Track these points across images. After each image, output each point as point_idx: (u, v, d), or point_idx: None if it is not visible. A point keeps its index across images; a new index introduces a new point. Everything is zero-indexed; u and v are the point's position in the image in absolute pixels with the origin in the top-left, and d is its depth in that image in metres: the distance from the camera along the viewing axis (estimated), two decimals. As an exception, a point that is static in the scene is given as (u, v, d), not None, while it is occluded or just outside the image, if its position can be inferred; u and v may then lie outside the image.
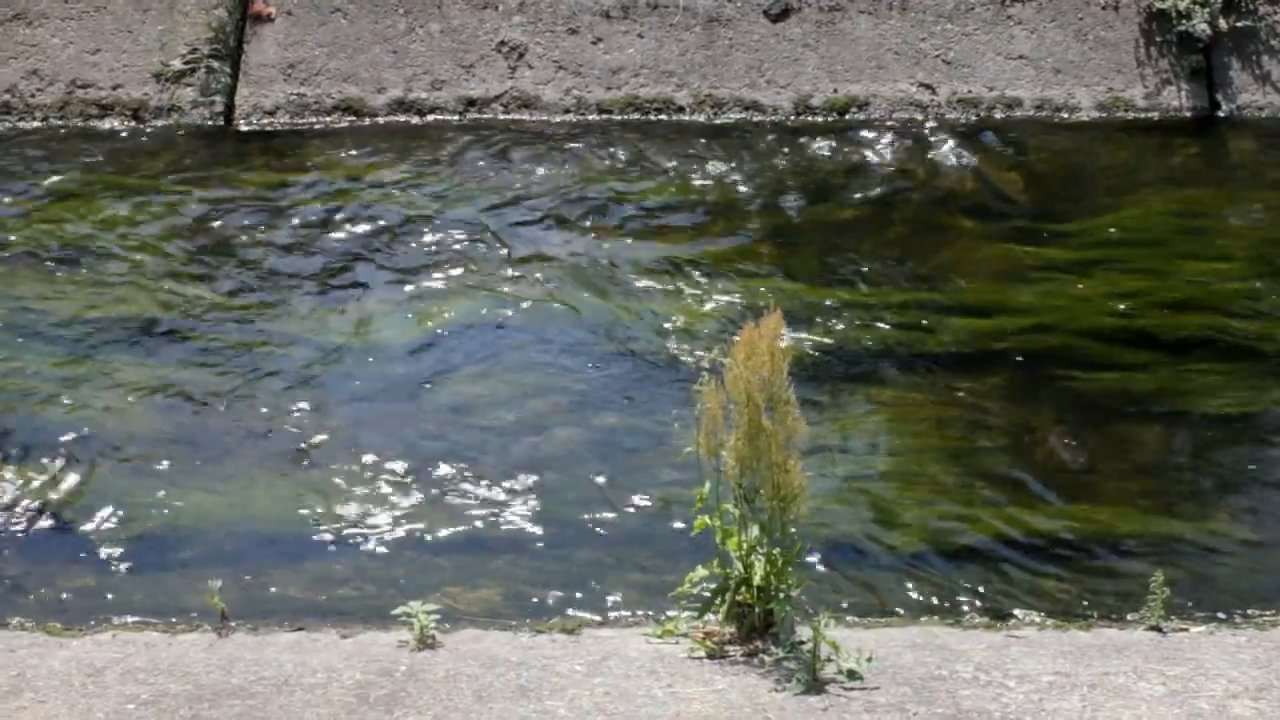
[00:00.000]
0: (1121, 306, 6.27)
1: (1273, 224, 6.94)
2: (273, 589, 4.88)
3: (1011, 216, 6.93)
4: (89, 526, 5.16)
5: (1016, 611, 4.75)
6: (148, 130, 7.56)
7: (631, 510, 5.21)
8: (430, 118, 7.64)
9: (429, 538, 5.10)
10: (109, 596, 4.86)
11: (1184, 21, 7.78)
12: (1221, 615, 4.69)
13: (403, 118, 7.64)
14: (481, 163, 7.26)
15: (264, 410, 5.70)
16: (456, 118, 7.63)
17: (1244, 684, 4.17)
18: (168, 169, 7.24)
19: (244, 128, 7.62)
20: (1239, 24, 7.81)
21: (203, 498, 5.27)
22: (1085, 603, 4.81)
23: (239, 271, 6.53)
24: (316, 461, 5.44)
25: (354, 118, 7.64)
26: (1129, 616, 4.64)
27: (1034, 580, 4.91)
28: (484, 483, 5.34)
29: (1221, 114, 7.73)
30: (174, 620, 4.67)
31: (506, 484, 5.32)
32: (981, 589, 4.87)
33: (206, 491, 5.30)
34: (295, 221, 6.86)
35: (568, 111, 7.64)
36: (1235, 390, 5.81)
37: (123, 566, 5.00)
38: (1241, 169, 7.39)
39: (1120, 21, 7.88)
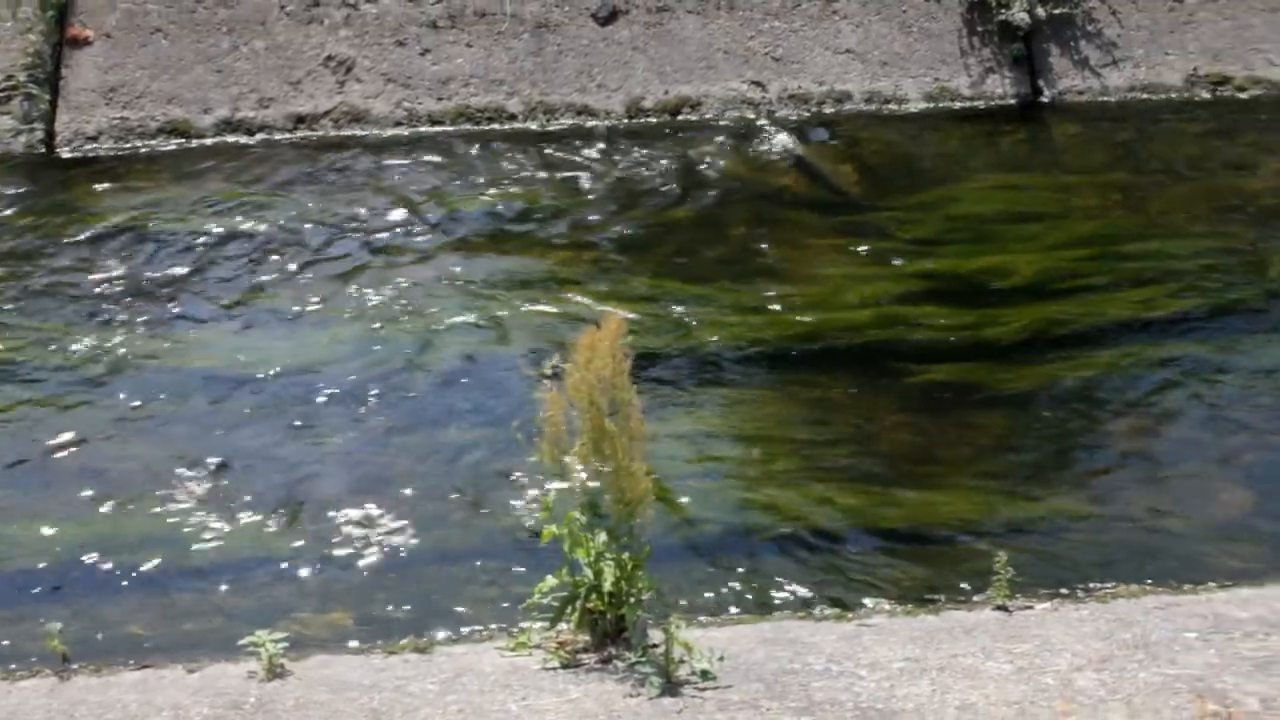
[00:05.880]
0: (956, 295, 6.37)
1: (1099, 207, 7.10)
2: (115, 627, 4.75)
3: (845, 209, 7.01)
4: (-83, 574, 4.99)
5: (867, 600, 4.79)
6: (-35, 161, 7.35)
7: (480, 524, 5.16)
8: (259, 136, 7.51)
9: (275, 564, 5.01)
10: (-59, 646, 4.69)
11: (1004, 10, 7.94)
12: (1064, 590, 4.77)
13: (231, 138, 7.51)
14: (312, 180, 7.15)
15: (95, 441, 5.55)
16: (286, 135, 7.52)
17: (1088, 656, 4.25)
18: (-14, 200, 7.04)
19: (66, 154, 7.43)
20: (1056, 11, 8.00)
21: (36, 535, 5.11)
22: (934, 587, 4.86)
23: (63, 302, 6.35)
24: (154, 492, 5.31)
25: (181, 139, 7.49)
26: (976, 598, 4.71)
27: (883, 569, 4.96)
28: (329, 504, 5.25)
29: (1044, 100, 7.90)
30: (13, 666, 4.51)
31: (352, 504, 5.24)
32: (832, 580, 4.90)
33: (40, 529, 5.14)
34: (118, 248, 6.69)
35: (399, 124, 7.56)
36: (1066, 372, 5.93)
37: (-45, 614, 4.83)
38: (1067, 153, 7.55)
39: (943, 12, 8.02)
